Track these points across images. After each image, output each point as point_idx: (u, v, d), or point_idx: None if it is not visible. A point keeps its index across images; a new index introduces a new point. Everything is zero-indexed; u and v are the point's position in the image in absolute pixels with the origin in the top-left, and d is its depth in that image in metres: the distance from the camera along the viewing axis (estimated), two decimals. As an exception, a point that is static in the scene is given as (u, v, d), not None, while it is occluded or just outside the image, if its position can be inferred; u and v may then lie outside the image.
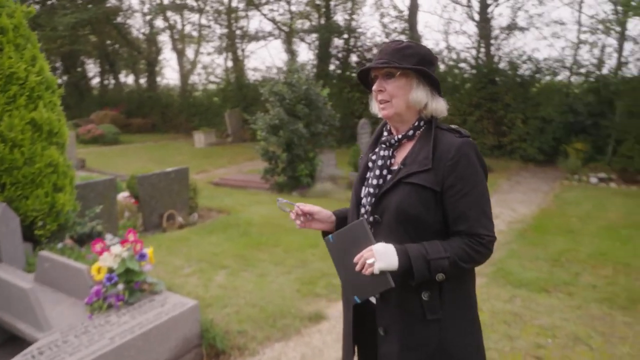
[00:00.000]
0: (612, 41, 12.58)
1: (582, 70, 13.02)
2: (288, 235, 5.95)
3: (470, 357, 1.47)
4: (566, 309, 3.86)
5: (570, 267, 4.86)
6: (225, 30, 21.28)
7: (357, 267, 1.37)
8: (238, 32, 21.30)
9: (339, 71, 17.55)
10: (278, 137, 8.64)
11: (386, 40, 16.89)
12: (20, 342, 2.81)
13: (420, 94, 1.47)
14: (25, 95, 4.19)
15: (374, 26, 32.44)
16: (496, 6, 14.55)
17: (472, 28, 19.16)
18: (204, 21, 22.08)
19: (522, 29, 14.16)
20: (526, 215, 7.24)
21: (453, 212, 1.41)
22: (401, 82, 1.47)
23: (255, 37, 20.60)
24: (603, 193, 9.03)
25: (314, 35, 18.23)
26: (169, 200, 6.65)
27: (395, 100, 1.48)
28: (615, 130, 11.15)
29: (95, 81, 26.81)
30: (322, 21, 17.99)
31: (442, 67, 14.63)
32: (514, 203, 8.06)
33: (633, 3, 8.94)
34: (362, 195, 1.56)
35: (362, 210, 1.55)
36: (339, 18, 18.10)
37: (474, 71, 14.19)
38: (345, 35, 17.49)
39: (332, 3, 17.85)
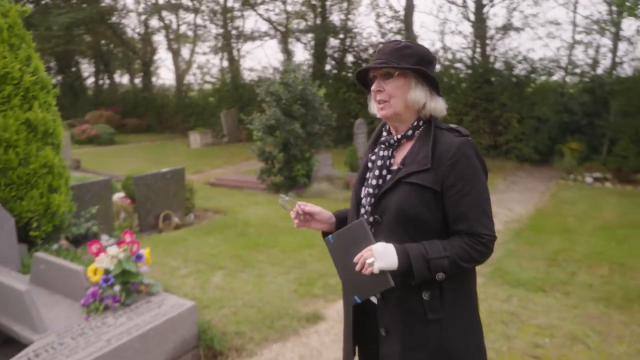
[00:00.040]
0: (606, 41, 12.66)
1: (577, 70, 13.07)
2: (285, 236, 5.94)
3: (472, 356, 1.47)
4: (563, 309, 3.87)
5: (566, 267, 4.88)
6: (220, 30, 21.24)
7: (357, 267, 1.36)
8: (234, 32, 21.27)
9: (335, 71, 17.54)
10: (274, 137, 8.63)
11: (382, 40, 16.90)
12: (16, 345, 2.78)
13: (419, 94, 1.46)
14: (20, 96, 4.16)
15: (370, 26, 32.45)
16: (491, 6, 14.59)
17: (467, 28, 19.26)
18: (199, 21, 22.08)
19: (517, 29, 14.20)
20: (522, 215, 7.26)
21: (453, 211, 1.41)
22: (400, 82, 1.47)
23: (251, 37, 20.58)
24: (598, 193, 9.07)
25: (310, 35, 18.22)
26: (165, 200, 6.63)
27: (394, 100, 1.48)
28: (610, 130, 11.21)
29: (90, 81, 26.73)
30: (318, 21, 17.98)
31: (438, 67, 14.65)
32: (510, 203, 8.08)
33: (628, 3, 8.99)
34: (362, 195, 1.56)
35: (362, 210, 1.55)
36: (335, 18, 18.10)
37: (469, 71, 14.21)
38: (341, 35, 17.49)
39: (328, 3, 17.84)
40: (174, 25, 22.80)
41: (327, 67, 17.64)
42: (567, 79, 13.39)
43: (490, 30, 14.53)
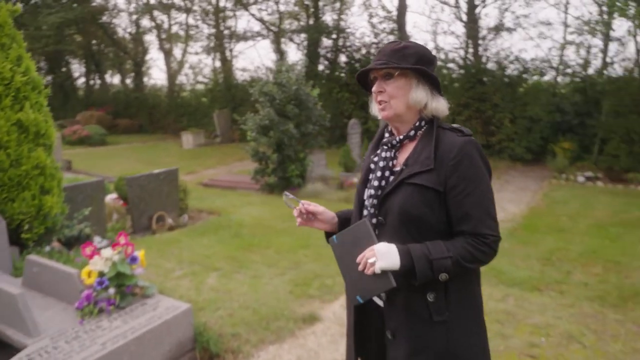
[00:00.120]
0: (597, 42, 12.77)
1: (569, 71, 13.19)
2: (280, 237, 5.92)
3: (476, 357, 1.46)
4: (559, 308, 3.89)
5: (561, 266, 4.90)
6: (213, 30, 21.15)
7: (360, 267, 1.36)
8: (226, 32, 21.19)
9: (328, 71, 17.53)
10: (268, 137, 8.60)
11: (375, 40, 16.93)
12: (8, 349, 2.73)
13: (420, 94, 1.45)
14: (11, 96, 4.10)
15: (362, 26, 32.48)
16: (484, 7, 14.68)
17: (460, 28, 19.29)
18: (191, 21, 21.97)
19: (509, 30, 14.30)
20: (516, 215, 7.29)
21: (456, 212, 1.40)
22: (400, 83, 1.46)
23: (243, 37, 20.52)
24: (590, 192, 9.14)
25: (303, 36, 18.20)
26: (158, 201, 6.57)
27: (395, 101, 1.46)
28: (602, 129, 11.31)
29: (81, 81, 26.48)
30: (311, 21, 17.96)
31: (430, 67, 14.67)
32: (503, 202, 8.11)
33: (618, 3, 9.06)
34: (365, 197, 1.55)
35: (365, 212, 1.53)
36: (328, 18, 18.10)
37: (462, 71, 14.28)
38: (334, 36, 17.49)
39: (320, 3, 17.83)
40: (166, 25, 22.69)
41: (320, 67, 17.63)
42: (559, 79, 13.52)
43: (483, 31, 14.62)
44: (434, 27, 20.10)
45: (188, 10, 21.08)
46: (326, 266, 4.79)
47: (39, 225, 4.28)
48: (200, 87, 22.65)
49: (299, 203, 1.62)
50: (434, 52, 1.54)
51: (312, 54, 17.15)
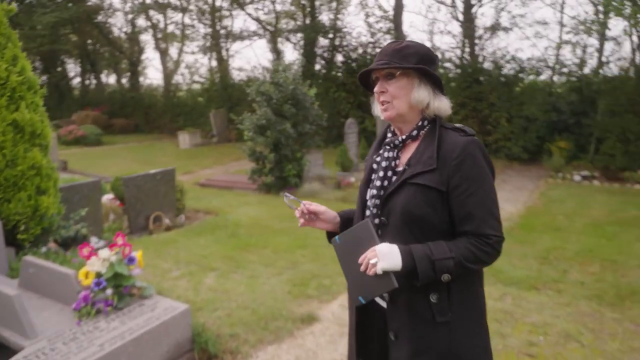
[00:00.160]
0: (593, 41, 12.83)
1: (565, 70, 13.23)
2: (277, 237, 5.91)
3: (479, 358, 1.46)
4: (556, 306, 3.90)
5: (558, 265, 4.91)
6: (209, 30, 21.11)
7: (362, 268, 1.35)
8: (222, 31, 21.14)
9: (324, 71, 17.52)
10: (265, 137, 8.58)
11: (371, 40, 16.94)
12: (5, 351, 2.71)
13: (422, 94, 1.45)
14: (7, 96, 4.07)
15: (359, 26, 32.61)
16: (480, 6, 14.71)
17: (456, 28, 19.37)
18: (187, 20, 21.90)
19: (505, 29, 14.33)
20: (513, 214, 7.31)
21: (459, 212, 1.39)
22: (402, 82, 1.45)
23: (239, 37, 20.47)
24: (586, 191, 9.17)
25: (299, 35, 18.18)
26: (155, 202, 6.55)
27: (397, 101, 1.46)
28: (598, 128, 11.35)
29: (76, 81, 26.38)
30: (307, 21, 17.95)
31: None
32: (500, 201, 7.85)
33: (614, 3, 9.09)
34: (367, 197, 1.54)
35: (368, 212, 1.53)
36: (324, 18, 18.10)
37: (458, 71, 14.30)
38: (331, 35, 17.48)
39: (317, 3, 17.83)
40: (162, 25, 22.64)
41: (317, 67, 17.62)
42: (555, 78, 13.56)
43: (479, 30, 14.64)
44: (430, 27, 20.17)
45: (184, 10, 21.04)
46: (324, 266, 4.79)
47: (35, 225, 4.25)
48: (196, 86, 22.60)
49: (300, 204, 1.62)
50: (431, 52, 1.53)
51: (308, 53, 17.14)
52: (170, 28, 22.73)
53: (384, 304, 1.50)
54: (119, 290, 3.00)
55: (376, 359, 1.56)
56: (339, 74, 16.99)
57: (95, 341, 2.61)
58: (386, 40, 16.73)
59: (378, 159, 1.55)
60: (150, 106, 21.74)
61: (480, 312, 1.50)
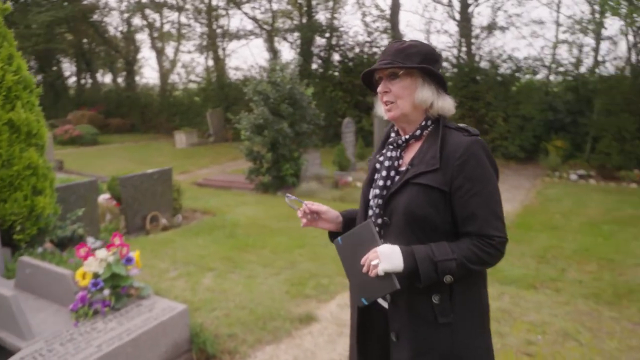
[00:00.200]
0: (589, 41, 12.86)
1: (561, 69, 13.26)
2: (275, 236, 5.90)
3: (480, 359, 1.45)
4: (554, 305, 3.91)
5: (556, 264, 4.92)
6: (205, 29, 21.05)
7: (364, 269, 1.34)
8: (219, 30, 21.09)
9: (321, 70, 17.51)
10: (263, 136, 8.56)
11: (368, 39, 16.93)
12: (2, 352, 2.69)
13: (425, 93, 1.44)
14: (2, 95, 4.03)
15: (356, 25, 32.57)
16: (476, 6, 14.74)
17: (453, 27, 19.42)
18: (183, 19, 21.84)
19: (502, 29, 14.36)
20: (510, 213, 7.31)
21: (462, 212, 1.38)
22: (406, 82, 1.44)
23: (236, 36, 20.44)
24: (583, 189, 9.20)
25: (296, 34, 18.16)
26: (152, 201, 6.52)
27: (401, 101, 1.45)
28: (594, 127, 11.38)
29: (72, 80, 26.24)
30: (304, 20, 17.93)
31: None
32: None
33: (610, 2, 9.12)
34: (370, 197, 1.53)
35: (370, 212, 1.52)
36: (321, 17, 18.08)
37: (455, 70, 14.32)
38: (328, 34, 17.46)
39: (313, 2, 17.80)
40: (158, 24, 22.54)
41: (314, 66, 17.61)
42: (551, 77, 13.60)
43: (476, 30, 14.66)
44: (427, 26, 20.11)
45: (180, 9, 20.96)
46: (322, 265, 4.78)
47: (31, 226, 4.23)
48: (192, 86, 22.54)
49: (302, 204, 1.61)
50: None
51: (305, 52, 17.12)
52: (167, 27, 22.68)
53: (385, 305, 1.50)
54: (117, 290, 2.99)
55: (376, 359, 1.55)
56: (336, 73, 16.99)
57: (92, 342, 2.59)
58: (383, 39, 16.74)
59: (381, 158, 1.54)
60: (147, 106, 21.66)
61: (482, 314, 1.49)
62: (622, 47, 18.60)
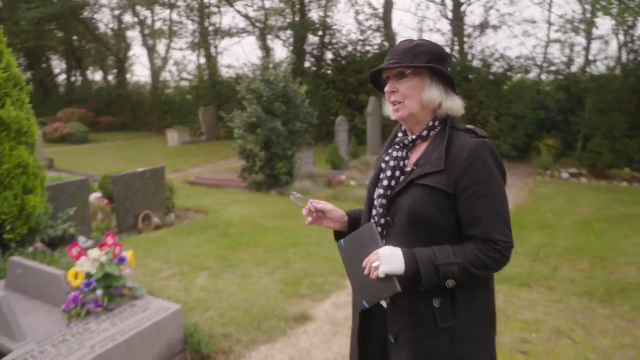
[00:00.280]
0: (581, 40, 12.96)
1: (553, 69, 13.35)
2: (268, 235, 5.88)
3: None
4: (548, 303, 3.93)
5: (549, 262, 4.95)
6: (197, 27, 20.92)
7: (365, 272, 1.32)
8: (211, 28, 20.97)
9: (314, 69, 17.48)
10: (256, 135, 8.52)
11: (361, 37, 16.93)
12: (-8, 354, 2.65)
13: (434, 93, 1.42)
14: (-8, 93, 3.97)
15: (349, 23, 32.59)
16: (469, 5, 14.80)
17: (445, 26, 19.49)
18: (175, 17, 21.68)
19: (494, 28, 14.43)
20: (503, 211, 7.34)
21: (467, 215, 1.35)
22: (414, 82, 1.42)
23: (228, 34, 20.34)
24: (574, 188, 9.27)
25: (289, 32, 18.11)
26: (144, 200, 6.46)
27: (409, 101, 1.43)
28: (585, 126, 11.47)
29: (62, 78, 25.97)
30: (297, 18, 17.88)
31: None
32: None
33: (602, 2, 9.19)
34: (375, 196, 1.51)
35: (374, 212, 1.50)
36: (314, 15, 18.04)
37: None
38: (321, 33, 17.43)
39: (306, 0, 17.76)
40: (149, 21, 22.37)
41: (307, 65, 17.57)
42: (543, 76, 13.68)
43: (468, 29, 14.72)
44: (420, 25, 20.21)
45: (172, 6, 20.80)
46: (316, 265, 4.77)
47: (22, 225, 4.16)
48: (185, 84, 22.41)
49: (307, 202, 1.59)
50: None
51: (298, 51, 17.09)
52: (158, 25, 22.51)
53: (384, 305, 1.48)
54: (110, 291, 2.95)
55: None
56: (329, 72, 16.97)
57: (85, 343, 2.56)
58: (376, 38, 16.74)
59: (387, 158, 1.52)
60: (138, 104, 21.50)
61: (487, 321, 1.46)
62: (613, 46, 18.78)
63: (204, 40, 20.72)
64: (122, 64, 23.79)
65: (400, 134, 1.55)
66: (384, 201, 1.46)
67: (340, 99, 15.85)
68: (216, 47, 21.36)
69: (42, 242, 4.51)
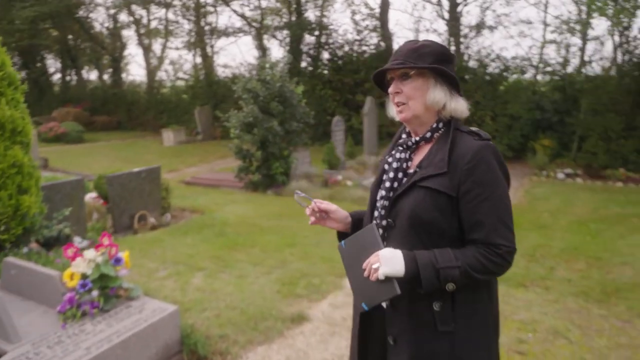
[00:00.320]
0: (576, 41, 13.02)
1: (549, 69, 13.40)
2: (265, 235, 5.86)
3: None
4: (544, 303, 3.93)
5: (545, 262, 4.96)
6: (193, 26, 20.86)
7: (365, 273, 1.31)
8: (207, 27, 20.91)
9: (310, 68, 17.47)
10: (252, 135, 8.51)
11: (357, 37, 16.93)
12: (-14, 356, 2.63)
13: (438, 94, 1.40)
14: (-14, 92, 3.94)
15: (345, 23, 32.55)
16: (465, 5, 14.81)
17: (442, 26, 19.52)
18: (171, 16, 21.61)
19: (490, 28, 14.46)
20: (499, 211, 7.36)
21: (469, 219, 1.33)
22: (418, 83, 1.41)
23: (224, 33, 20.28)
24: (570, 188, 9.31)
25: (285, 32, 18.09)
26: (140, 200, 6.44)
27: (413, 102, 1.41)
28: (580, 127, 11.52)
29: (57, 77, 25.83)
30: (293, 18, 17.86)
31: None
32: None
33: (598, 3, 9.22)
34: (377, 198, 1.50)
35: (376, 213, 1.49)
36: (310, 15, 18.03)
37: (444, 69, 14.37)
38: (317, 32, 17.43)
39: (302, -1, 17.76)
40: (145, 20, 22.29)
41: (303, 64, 17.55)
42: (539, 77, 13.72)
43: (464, 29, 14.75)
44: (416, 25, 20.20)
45: (168, 5, 20.73)
46: (313, 265, 4.76)
47: (17, 225, 4.13)
48: (180, 83, 22.34)
49: (311, 201, 1.58)
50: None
51: (294, 50, 17.07)
52: (154, 23, 22.42)
53: (384, 305, 1.47)
54: (106, 291, 2.93)
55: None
56: (325, 72, 16.96)
57: (81, 344, 2.54)
58: (372, 37, 16.76)
59: (390, 159, 1.51)
60: (133, 103, 21.42)
61: (489, 325, 1.43)
62: (608, 47, 18.88)
63: (200, 40, 20.66)
64: (117, 63, 23.70)
65: (404, 135, 1.54)
66: (386, 203, 1.45)
67: (336, 99, 15.84)
68: (212, 46, 21.33)
69: (37, 242, 4.48)
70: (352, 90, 15.54)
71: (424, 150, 1.46)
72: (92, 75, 26.36)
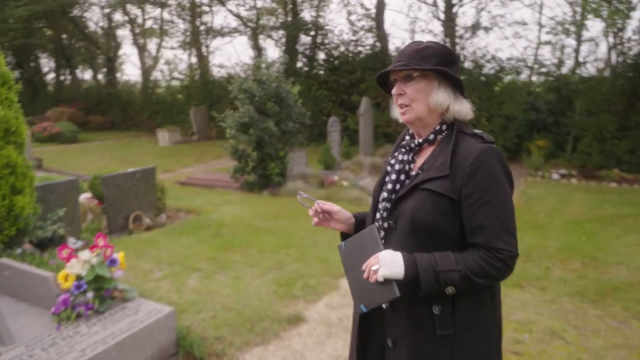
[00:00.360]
0: (571, 42, 13.08)
1: (543, 70, 13.46)
2: (261, 236, 5.84)
3: None
4: (540, 304, 3.94)
5: (540, 262, 4.97)
6: (188, 26, 20.79)
7: (364, 275, 1.30)
8: (202, 27, 20.85)
9: (306, 69, 17.46)
10: (248, 135, 8.48)
11: (353, 38, 16.94)
12: (-21, 358, 2.60)
13: (441, 96, 1.39)
14: (-21, 91, 3.90)
15: (341, 23, 32.63)
16: (460, 6, 14.86)
17: (437, 27, 19.51)
18: (166, 15, 21.53)
19: (485, 29, 14.51)
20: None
21: (470, 222, 1.32)
22: (421, 85, 1.40)
23: (220, 33, 20.23)
24: (565, 189, 9.35)
25: (281, 32, 18.07)
26: (135, 201, 6.40)
27: (416, 104, 1.41)
28: (575, 127, 11.59)
29: (51, 76, 25.67)
30: (289, 18, 17.84)
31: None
32: None
33: (592, 5, 9.27)
34: (379, 199, 1.49)
35: (378, 215, 1.48)
36: (306, 15, 18.02)
37: (439, 70, 14.41)
38: (313, 33, 17.42)
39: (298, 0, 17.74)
40: (140, 20, 22.19)
41: (299, 65, 17.54)
42: (534, 78, 13.80)
43: (460, 30, 14.78)
44: (411, 26, 20.22)
45: (163, 5, 20.65)
46: (309, 266, 4.75)
47: (10, 226, 4.09)
48: (175, 83, 22.26)
49: (314, 202, 1.57)
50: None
51: (290, 51, 17.05)
52: (149, 23, 22.34)
53: (384, 306, 1.47)
54: (100, 293, 2.91)
55: None
56: (321, 72, 16.96)
57: (76, 346, 2.51)
58: (368, 38, 16.76)
59: (392, 161, 1.50)
60: (128, 103, 21.33)
61: (490, 330, 1.41)
62: (602, 48, 18.99)
63: (195, 40, 20.60)
64: (112, 63, 23.59)
65: (407, 137, 1.53)
66: (387, 204, 1.44)
67: (332, 99, 15.84)
68: (207, 46, 21.27)
69: (31, 243, 4.44)
70: (348, 91, 15.55)
71: (427, 152, 1.45)
72: (87, 74, 26.26)
